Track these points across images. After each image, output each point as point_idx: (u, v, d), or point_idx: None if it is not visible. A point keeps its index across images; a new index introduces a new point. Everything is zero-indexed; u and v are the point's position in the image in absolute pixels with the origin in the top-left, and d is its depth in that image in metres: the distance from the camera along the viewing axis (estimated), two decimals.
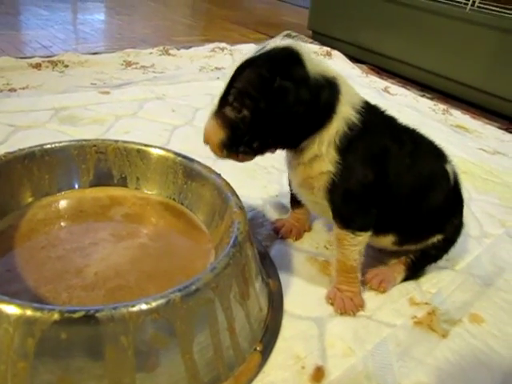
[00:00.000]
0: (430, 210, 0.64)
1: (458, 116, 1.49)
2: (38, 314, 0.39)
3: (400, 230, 0.65)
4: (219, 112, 0.54)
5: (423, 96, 1.63)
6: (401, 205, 0.62)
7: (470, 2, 1.59)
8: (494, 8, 1.57)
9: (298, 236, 0.74)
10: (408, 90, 1.65)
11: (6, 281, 0.52)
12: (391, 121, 0.62)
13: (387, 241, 0.66)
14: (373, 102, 1.49)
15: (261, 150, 0.57)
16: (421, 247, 0.68)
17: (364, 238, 0.60)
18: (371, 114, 0.58)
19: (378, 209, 0.60)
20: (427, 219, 0.65)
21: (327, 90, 0.54)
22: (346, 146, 0.56)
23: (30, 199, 0.64)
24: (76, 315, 0.39)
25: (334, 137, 0.55)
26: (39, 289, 0.51)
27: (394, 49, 1.79)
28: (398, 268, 0.69)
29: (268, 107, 0.52)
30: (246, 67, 0.53)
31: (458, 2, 1.64)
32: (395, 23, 1.77)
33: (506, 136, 1.40)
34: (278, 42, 0.55)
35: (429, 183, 0.63)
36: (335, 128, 0.55)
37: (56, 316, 0.39)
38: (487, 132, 1.40)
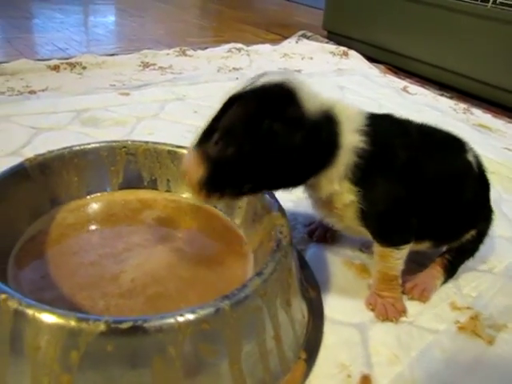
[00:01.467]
0: (461, 207, 0.62)
1: (480, 115, 1.46)
2: (83, 324, 0.37)
3: (435, 233, 0.63)
4: (202, 145, 0.49)
5: (442, 95, 1.60)
6: (432, 208, 0.59)
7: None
8: None
9: (333, 239, 0.72)
10: (427, 89, 1.63)
11: (41, 288, 0.50)
12: (401, 125, 0.59)
13: (423, 246, 0.64)
14: (392, 102, 1.48)
15: (254, 191, 0.52)
16: (456, 245, 0.66)
17: (407, 249, 0.58)
18: (379, 128, 0.54)
19: (415, 219, 0.57)
20: (460, 217, 0.63)
21: (326, 127, 0.50)
22: (362, 175, 0.52)
23: (59, 203, 0.62)
24: (123, 326, 0.37)
25: (344, 171, 0.52)
26: (75, 296, 0.49)
27: (412, 48, 1.76)
28: (435, 272, 0.66)
29: (255, 150, 0.47)
30: (235, 102, 0.48)
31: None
32: (412, 22, 1.74)
33: None
34: (272, 76, 0.50)
35: (455, 180, 0.61)
36: (343, 162, 0.51)
37: (102, 327, 0.37)
38: (510, 131, 1.37)
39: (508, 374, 0.55)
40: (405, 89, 1.58)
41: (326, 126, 0.50)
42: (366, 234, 0.58)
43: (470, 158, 0.62)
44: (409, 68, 1.81)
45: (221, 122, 0.48)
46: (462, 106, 1.51)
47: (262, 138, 0.47)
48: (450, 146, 0.62)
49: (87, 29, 1.83)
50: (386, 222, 0.56)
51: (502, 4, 1.55)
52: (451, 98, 1.59)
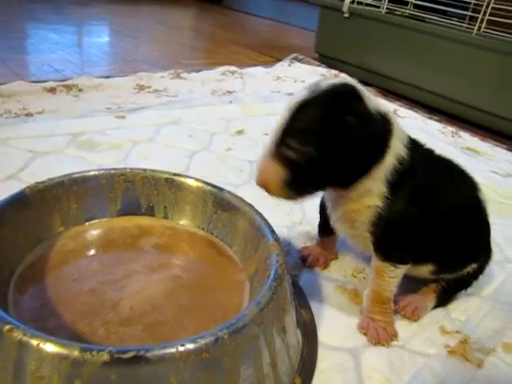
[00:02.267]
0: (467, 239, 0.65)
1: (467, 138, 1.50)
2: (87, 355, 0.38)
3: (439, 259, 0.65)
4: (277, 152, 0.52)
5: (431, 118, 1.64)
6: (441, 236, 0.62)
7: (476, 27, 1.62)
8: (496, 33, 1.59)
9: (325, 264, 0.73)
10: (416, 112, 1.66)
11: (42, 316, 0.51)
12: (431, 154, 0.62)
13: (425, 270, 0.66)
14: None
15: (322, 189, 0.57)
16: (455, 276, 0.68)
17: (403, 270, 0.60)
18: (415, 148, 0.57)
19: (419, 243, 0.60)
20: (464, 249, 0.66)
21: (383, 126, 0.53)
22: (396, 181, 0.55)
23: (59, 229, 0.63)
24: (126, 356, 0.38)
25: (386, 172, 0.55)
26: (75, 324, 0.50)
27: (401, 72, 1.81)
28: (429, 295, 0.68)
29: (334, 144, 0.51)
30: (308, 106, 0.52)
31: (464, 27, 1.67)
32: (402, 47, 1.79)
33: None
34: (332, 79, 0.54)
35: (467, 214, 0.64)
36: (388, 163, 0.54)
37: (105, 357, 0.38)
38: (497, 154, 1.41)
39: None
40: (395, 112, 1.61)
41: (383, 125, 0.54)
42: (367, 245, 0.61)
43: (481, 197, 0.65)
44: (398, 91, 1.85)
45: (294, 126, 0.52)
46: (451, 129, 1.55)
47: (340, 132, 0.50)
48: (468, 183, 0.65)
49: (82, 49, 1.85)
50: (392, 235, 0.58)
51: (485, 33, 1.60)
52: (440, 121, 1.63)
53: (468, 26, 1.71)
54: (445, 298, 0.69)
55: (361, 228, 0.59)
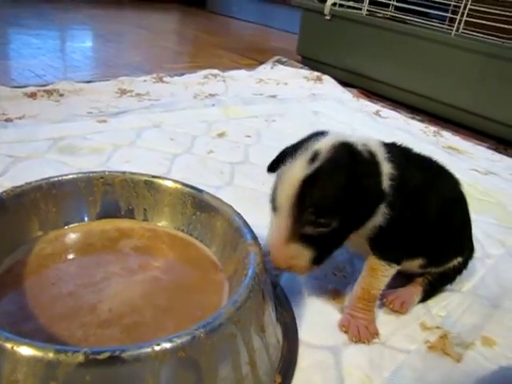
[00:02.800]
0: (454, 233, 0.68)
1: (449, 137, 1.52)
2: (62, 356, 0.38)
3: (428, 254, 0.66)
4: (296, 233, 0.52)
5: (413, 118, 1.66)
6: (431, 232, 0.64)
7: (455, 28, 1.64)
8: (475, 34, 1.62)
9: None
10: (398, 112, 1.68)
11: (19, 320, 0.50)
12: (410, 153, 0.64)
13: (414, 264, 0.67)
14: (365, 125, 1.52)
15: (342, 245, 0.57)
16: (442, 270, 0.70)
17: (395, 269, 0.61)
18: (395, 155, 0.58)
19: (411, 242, 0.62)
20: (452, 243, 0.68)
21: (375, 164, 0.55)
22: (394, 197, 0.56)
23: (37, 233, 0.63)
24: (101, 356, 0.38)
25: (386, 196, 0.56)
26: (53, 327, 0.50)
27: (384, 73, 1.83)
28: (415, 289, 0.70)
29: (356, 208, 0.52)
30: (319, 178, 0.51)
31: (444, 28, 1.69)
32: (384, 48, 1.81)
33: (496, 156, 1.43)
34: (325, 140, 0.54)
35: (453, 208, 0.66)
36: (384, 188, 0.56)
37: (80, 358, 0.38)
38: (478, 153, 1.43)
39: None
40: (377, 112, 1.63)
41: (375, 162, 0.56)
42: (362, 248, 0.62)
43: (463, 192, 0.68)
44: (381, 92, 1.87)
45: (309, 201, 0.50)
46: (432, 128, 1.56)
47: (359, 196, 0.51)
48: (451, 178, 0.67)
49: (64, 55, 1.84)
50: (390, 239, 0.59)
51: (463, 34, 1.62)
52: (422, 121, 1.65)
53: (448, 27, 1.73)
54: (430, 292, 0.71)
55: (358, 237, 0.59)
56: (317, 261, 0.54)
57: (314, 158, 0.52)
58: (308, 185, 0.51)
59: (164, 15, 3.26)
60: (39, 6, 2.72)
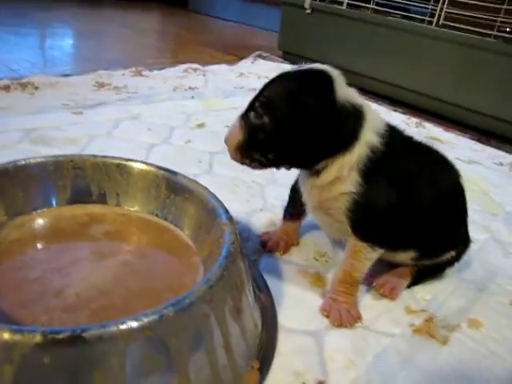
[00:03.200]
0: (449, 226, 0.65)
1: (431, 129, 1.51)
2: (17, 336, 0.35)
3: (420, 246, 0.65)
4: (244, 115, 0.56)
5: (396, 111, 1.65)
6: (423, 222, 0.62)
7: (435, 19, 1.64)
8: (456, 26, 1.61)
9: (286, 249, 0.72)
10: (380, 105, 1.67)
11: None
12: (411, 140, 0.63)
13: (406, 256, 0.65)
14: None
15: (274, 163, 0.57)
16: (434, 262, 0.68)
17: (378, 253, 0.60)
18: (394, 137, 0.58)
19: (399, 228, 0.60)
20: (446, 235, 0.66)
21: (353, 118, 0.54)
22: (369, 169, 0.55)
23: (2, 219, 0.60)
24: (61, 336, 0.35)
25: (356, 160, 0.55)
26: (15, 312, 0.47)
27: (365, 66, 1.82)
28: (404, 275, 0.68)
29: (287, 120, 0.53)
30: (278, 79, 0.55)
31: (424, 20, 1.69)
32: (364, 41, 1.80)
33: (478, 146, 1.43)
34: (319, 65, 0.57)
35: (449, 200, 0.64)
36: (357, 153, 0.55)
37: (38, 338, 0.35)
38: (460, 143, 1.42)
39: (462, 371, 0.55)
40: None
41: (353, 117, 0.54)
42: (344, 232, 0.60)
43: (462, 183, 0.65)
44: (363, 85, 1.85)
45: (264, 93, 0.55)
46: (415, 120, 1.56)
47: (295, 110, 0.52)
48: (449, 169, 0.65)
49: (43, 51, 1.80)
50: (369, 218, 0.58)
51: (444, 26, 1.62)
52: (404, 113, 1.64)
53: (429, 20, 1.73)
54: (419, 279, 0.69)
55: (337, 214, 0.59)
56: (242, 149, 0.55)
57: (294, 69, 0.57)
58: (274, 81, 0.55)
59: (145, 14, 3.23)
60: (18, 5, 2.67)
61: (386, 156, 0.56)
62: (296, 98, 0.52)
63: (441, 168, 0.65)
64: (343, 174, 0.55)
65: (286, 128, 0.53)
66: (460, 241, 0.69)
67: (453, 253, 0.67)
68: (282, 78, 0.55)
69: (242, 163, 0.57)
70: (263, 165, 0.57)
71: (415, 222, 0.61)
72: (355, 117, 0.54)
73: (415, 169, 0.60)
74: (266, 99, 0.54)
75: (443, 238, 0.66)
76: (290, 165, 0.58)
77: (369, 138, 0.55)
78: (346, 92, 0.54)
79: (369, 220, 0.58)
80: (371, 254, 0.59)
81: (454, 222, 0.66)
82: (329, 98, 0.53)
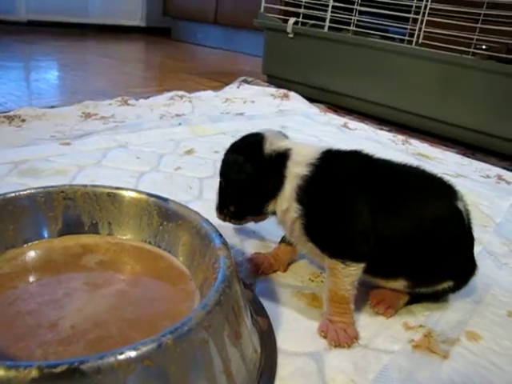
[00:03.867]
0: (441, 254, 0.62)
1: (418, 145, 1.53)
2: (12, 373, 0.34)
3: (410, 275, 0.63)
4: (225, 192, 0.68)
5: (381, 129, 1.67)
6: (405, 248, 0.60)
7: (415, 38, 1.68)
8: (435, 44, 1.65)
9: (269, 271, 0.71)
10: (366, 124, 1.69)
11: None
12: (363, 160, 0.64)
13: (398, 285, 0.64)
14: (333, 137, 1.52)
15: (239, 216, 0.68)
16: (432, 291, 0.66)
17: (356, 269, 0.58)
18: (330, 161, 0.63)
19: (370, 244, 0.58)
20: (440, 264, 0.63)
21: (276, 162, 0.62)
22: (304, 195, 0.60)
23: None
24: (58, 369, 0.35)
25: (290, 193, 0.61)
26: (9, 348, 0.46)
27: (349, 87, 1.85)
28: (402, 295, 0.67)
29: (236, 182, 0.64)
30: (230, 151, 0.67)
31: (404, 40, 1.73)
32: (348, 63, 1.83)
33: (465, 160, 1.45)
34: (262, 130, 0.68)
35: (436, 225, 0.61)
36: (290, 186, 0.61)
37: (34, 373, 0.34)
38: (447, 158, 1.44)
39: None
40: (345, 125, 1.64)
41: (276, 162, 0.63)
42: (317, 254, 0.61)
43: (461, 207, 0.63)
44: (348, 106, 1.88)
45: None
46: (401, 137, 1.58)
47: (238, 172, 0.63)
48: (437, 191, 0.64)
49: (27, 83, 1.80)
50: (323, 234, 0.60)
51: (423, 44, 1.66)
52: (390, 130, 1.66)
53: (408, 39, 1.77)
54: (417, 300, 0.68)
55: (301, 240, 0.63)
56: (221, 211, 0.68)
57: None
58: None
59: (129, 45, 3.26)
60: (2, 39, 2.69)
61: (317, 179, 0.61)
62: (237, 163, 0.63)
63: (426, 189, 0.63)
64: (287, 206, 0.62)
65: (237, 187, 0.64)
66: (460, 270, 0.65)
67: (451, 283, 0.65)
68: (231, 148, 0.67)
69: (225, 221, 0.69)
70: (233, 219, 0.68)
71: (394, 245, 0.60)
72: (279, 161, 0.62)
73: (376, 189, 0.60)
74: (222, 173, 0.67)
75: (436, 267, 0.63)
76: (246, 213, 0.68)
77: (296, 171, 0.61)
78: (274, 144, 0.64)
79: (323, 236, 0.60)
80: (346, 271, 0.58)
81: (448, 250, 0.62)
82: (256, 154, 0.63)
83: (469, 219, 0.65)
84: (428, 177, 0.65)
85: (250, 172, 0.62)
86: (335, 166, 0.63)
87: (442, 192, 0.64)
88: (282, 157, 0.63)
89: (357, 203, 0.59)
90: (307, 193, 0.60)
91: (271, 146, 0.64)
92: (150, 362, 0.38)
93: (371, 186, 0.60)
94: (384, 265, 0.62)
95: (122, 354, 0.37)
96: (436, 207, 0.61)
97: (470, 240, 0.66)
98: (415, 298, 0.68)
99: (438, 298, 0.69)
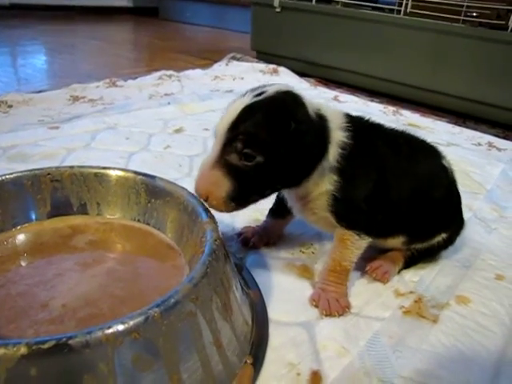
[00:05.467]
0: (435, 208, 0.65)
1: (408, 115, 1.53)
2: (2, 350, 0.35)
3: (409, 231, 0.65)
4: (221, 160, 0.51)
5: (372, 101, 1.66)
6: (407, 207, 0.62)
7: (403, 9, 1.66)
8: (423, 13, 1.63)
9: (271, 243, 0.72)
10: (357, 96, 1.69)
11: None
12: (378, 127, 0.64)
13: (396, 242, 0.66)
14: None
15: (268, 195, 0.56)
16: (426, 246, 0.68)
17: (366, 242, 0.60)
18: (358, 126, 0.59)
19: (383, 215, 0.60)
20: (434, 218, 0.66)
21: (322, 125, 0.55)
22: (344, 165, 0.56)
23: None
24: (46, 346, 0.35)
25: (332, 162, 0.56)
26: (1, 329, 0.46)
27: (339, 60, 1.83)
28: (397, 259, 0.68)
29: (286, 151, 0.50)
30: (255, 112, 0.50)
31: (393, 10, 1.70)
32: (337, 35, 1.81)
33: (456, 129, 1.45)
34: (273, 85, 0.55)
35: (431, 182, 0.64)
36: (332, 154, 0.55)
37: (23, 350, 0.35)
38: (438, 127, 1.44)
39: (454, 347, 0.56)
40: (336, 98, 1.63)
41: (322, 124, 0.55)
42: (325, 223, 0.61)
43: (446, 164, 0.66)
44: (339, 79, 1.87)
45: (244, 130, 0.50)
46: (392, 108, 1.57)
47: (291, 138, 0.50)
48: (428, 151, 0.66)
49: (14, 69, 1.78)
50: (352, 210, 0.58)
51: (411, 13, 1.64)
52: (381, 102, 1.65)
53: (398, 9, 1.75)
54: (411, 263, 0.70)
55: (321, 212, 0.59)
56: (235, 198, 0.51)
57: (259, 95, 0.52)
58: (245, 114, 0.50)
59: (117, 26, 3.22)
60: None
61: (357, 148, 0.57)
62: (285, 125, 0.50)
63: (419, 153, 0.65)
64: (323, 177, 0.56)
65: (285, 159, 0.51)
66: (451, 222, 0.69)
67: (444, 235, 0.67)
68: (259, 109, 0.51)
69: (232, 211, 0.53)
70: (255, 202, 0.55)
71: (399, 207, 0.61)
72: (323, 124, 0.55)
73: (389, 155, 0.60)
74: (251, 137, 0.50)
75: (431, 221, 0.66)
76: (287, 187, 0.58)
77: (337, 137, 0.56)
78: (310, 104, 0.55)
79: (351, 211, 0.58)
80: (359, 242, 0.59)
81: (440, 204, 0.66)
82: (309, 118, 0.53)
83: (453, 175, 0.68)
84: (415, 140, 0.67)
85: (310, 141, 0.52)
86: (367, 134, 0.60)
87: (429, 152, 0.67)
88: (323, 119, 0.55)
89: (386, 176, 0.59)
90: (348, 163, 0.56)
91: (310, 107, 0.54)
92: (137, 334, 0.38)
93: (388, 155, 0.61)
94: (385, 225, 0.63)
95: (109, 328, 0.37)
96: (428, 166, 0.65)
97: (456, 193, 0.69)
98: (411, 260, 0.69)
99: (432, 254, 0.71)
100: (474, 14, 1.62)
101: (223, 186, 0.51)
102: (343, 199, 0.57)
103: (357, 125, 0.59)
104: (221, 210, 0.53)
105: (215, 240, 0.50)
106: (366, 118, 0.64)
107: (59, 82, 1.58)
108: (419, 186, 0.63)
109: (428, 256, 0.71)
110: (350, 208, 0.58)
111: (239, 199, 0.52)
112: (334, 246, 0.61)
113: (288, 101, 0.53)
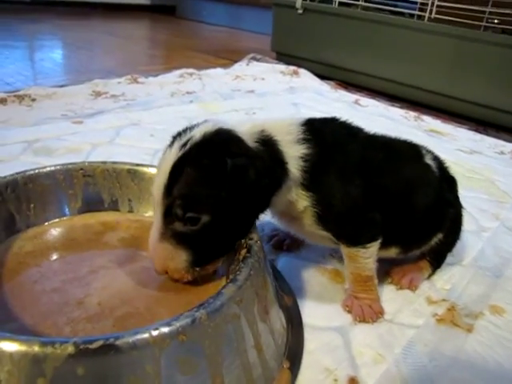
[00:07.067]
0: (423, 211, 0.61)
1: (430, 121, 1.51)
2: (49, 349, 0.34)
3: (400, 239, 0.62)
4: (167, 231, 0.47)
5: (393, 106, 1.65)
6: (394, 214, 0.59)
7: (427, 14, 1.64)
8: (448, 18, 1.62)
9: (300, 246, 0.71)
10: (378, 101, 1.67)
11: (1, 321, 0.46)
12: (353, 131, 0.60)
13: (391, 252, 0.63)
14: (346, 114, 1.51)
15: (234, 243, 0.51)
16: (428, 248, 0.66)
17: (375, 247, 0.57)
18: (323, 133, 0.55)
19: (380, 212, 0.56)
20: (424, 221, 0.62)
21: (268, 150, 0.50)
22: (311, 178, 0.52)
23: (15, 231, 0.58)
24: (93, 345, 0.34)
25: (297, 178, 0.52)
26: (38, 326, 0.46)
27: (360, 63, 1.82)
28: (422, 263, 0.67)
29: (232, 195, 0.45)
30: (184, 168, 0.46)
31: (414, 15, 1.69)
32: (358, 39, 1.80)
33: (477, 136, 1.43)
34: (203, 125, 0.50)
35: (412, 186, 0.60)
36: (293, 172, 0.52)
37: (70, 349, 0.34)
38: (460, 134, 1.42)
39: (490, 358, 0.54)
40: (357, 102, 1.61)
41: (270, 149, 0.50)
42: (328, 241, 0.58)
43: (428, 161, 0.62)
44: (359, 83, 1.86)
45: (178, 193, 0.45)
46: (413, 114, 1.56)
47: (232, 178, 0.45)
48: (405, 153, 0.63)
49: (34, 63, 1.78)
50: (343, 222, 0.55)
51: (434, 19, 1.63)
52: (402, 107, 1.64)
53: (418, 14, 1.73)
54: (438, 262, 0.68)
55: (312, 229, 0.56)
56: (196, 262, 0.47)
57: (185, 144, 0.47)
58: (175, 173, 0.45)
59: (134, 23, 3.22)
60: (4, 19, 2.66)
61: (322, 156, 0.53)
62: (222, 168, 0.45)
63: (398, 154, 0.61)
64: (293, 197, 0.53)
65: (233, 205, 0.46)
66: (443, 221, 0.64)
67: (440, 236, 0.64)
68: (183, 163, 0.46)
69: (200, 274, 0.50)
70: (223, 255, 0.51)
71: (386, 213, 0.57)
72: (269, 147, 0.51)
73: (365, 157, 0.56)
74: (187, 199, 0.45)
75: (422, 224, 0.62)
76: (251, 223, 0.53)
77: (293, 152, 0.52)
78: (247, 132, 0.51)
79: (342, 224, 0.55)
80: (368, 253, 0.56)
81: (428, 206, 0.61)
82: (245, 149, 0.48)
83: (441, 167, 0.64)
84: (394, 142, 0.63)
85: (264, 168, 0.48)
86: (336, 140, 0.56)
87: (409, 154, 0.63)
88: (268, 141, 0.51)
89: (364, 180, 0.55)
90: (315, 174, 0.52)
91: (247, 135, 0.50)
92: (184, 336, 0.37)
93: (366, 158, 0.57)
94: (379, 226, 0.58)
95: (156, 329, 0.36)
96: (411, 168, 0.61)
97: (448, 185, 0.65)
98: (437, 262, 0.68)
99: (449, 247, 0.68)
100: (496, 21, 1.61)
101: (178, 257, 0.47)
102: (327, 213, 0.53)
103: (321, 132, 0.55)
104: (187, 279, 0.49)
105: (256, 241, 0.49)
106: (340, 120, 0.60)
107: (79, 76, 1.58)
108: (403, 189, 0.59)
109: (444, 252, 0.68)
110: (340, 220, 0.54)
111: (202, 262, 0.49)
112: (347, 262, 0.59)
113: (217, 141, 0.48)
